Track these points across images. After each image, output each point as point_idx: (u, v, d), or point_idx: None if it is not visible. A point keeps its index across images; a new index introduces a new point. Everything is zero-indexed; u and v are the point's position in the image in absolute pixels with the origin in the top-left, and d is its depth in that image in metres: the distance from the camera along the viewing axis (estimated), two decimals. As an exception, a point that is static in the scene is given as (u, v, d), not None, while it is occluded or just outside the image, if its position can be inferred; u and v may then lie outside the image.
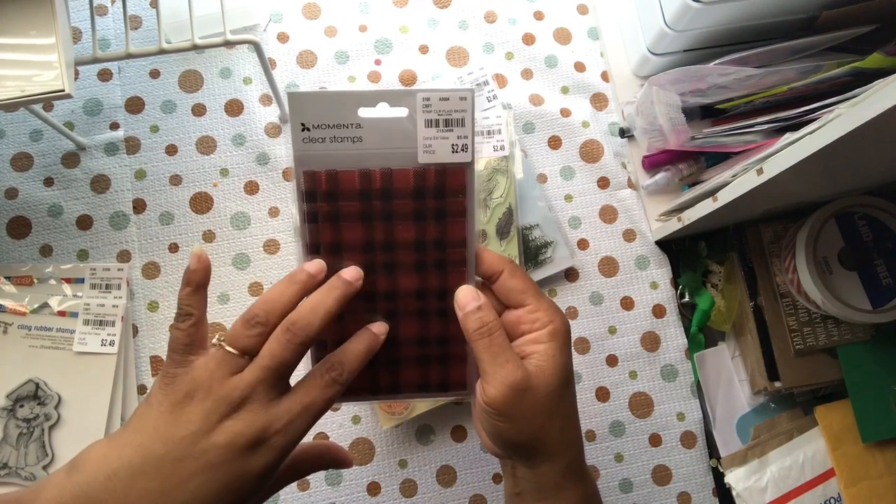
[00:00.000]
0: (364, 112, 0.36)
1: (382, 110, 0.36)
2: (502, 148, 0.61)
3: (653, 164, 0.65)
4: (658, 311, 0.63)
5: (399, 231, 0.38)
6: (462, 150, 0.37)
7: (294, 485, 0.58)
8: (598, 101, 0.67)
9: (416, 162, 0.37)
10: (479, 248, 0.39)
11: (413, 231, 0.38)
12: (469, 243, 0.38)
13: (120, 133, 0.62)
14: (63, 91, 0.45)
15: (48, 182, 0.61)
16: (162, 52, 0.51)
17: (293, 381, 0.36)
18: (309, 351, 0.36)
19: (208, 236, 0.61)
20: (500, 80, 0.66)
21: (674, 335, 0.63)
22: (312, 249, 0.38)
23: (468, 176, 0.37)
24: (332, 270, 0.38)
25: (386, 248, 0.38)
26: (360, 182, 0.37)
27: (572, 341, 0.62)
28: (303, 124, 0.36)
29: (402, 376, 0.40)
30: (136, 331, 0.59)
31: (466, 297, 0.37)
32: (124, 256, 0.61)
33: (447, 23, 0.67)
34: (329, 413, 0.59)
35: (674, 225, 0.59)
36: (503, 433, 0.37)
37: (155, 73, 0.64)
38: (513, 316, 0.38)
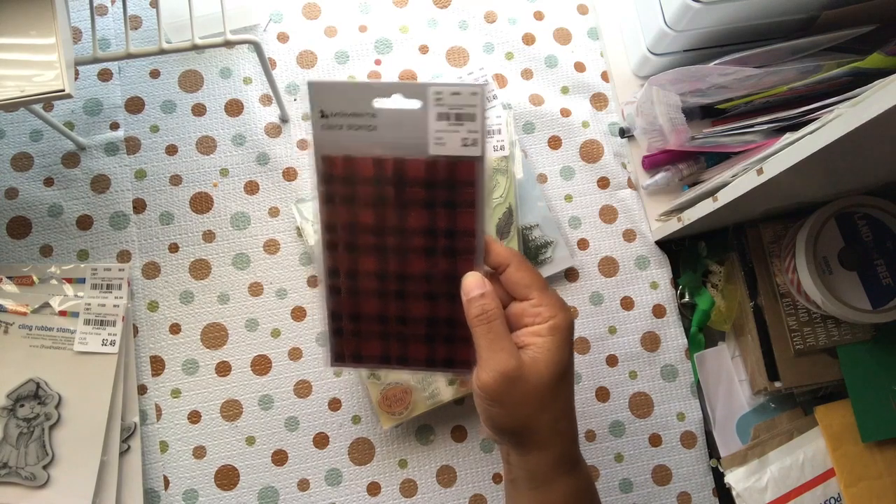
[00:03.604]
0: (379, 102, 0.37)
1: (396, 102, 0.37)
2: (502, 148, 0.61)
3: (653, 164, 0.65)
4: (658, 311, 0.63)
5: (410, 217, 0.39)
6: (472, 143, 0.38)
7: (294, 484, 0.58)
8: (598, 101, 0.67)
9: (427, 153, 0.38)
10: (489, 240, 0.40)
11: (423, 218, 0.39)
12: (478, 233, 0.39)
13: (120, 133, 0.62)
14: (63, 91, 0.45)
15: (48, 182, 0.61)
16: (162, 52, 0.51)
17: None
18: (325, 314, 0.40)
19: (208, 236, 0.61)
20: (500, 80, 0.66)
21: (674, 335, 0.63)
22: (329, 228, 0.40)
23: (478, 169, 0.38)
24: (346, 248, 0.40)
25: (397, 232, 0.40)
26: (374, 169, 0.39)
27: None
28: (322, 111, 0.38)
29: (410, 351, 0.42)
30: (136, 331, 0.59)
31: (471, 284, 0.39)
32: (124, 256, 0.61)
33: (447, 23, 0.67)
34: (329, 413, 0.59)
35: (674, 225, 0.59)
36: (493, 417, 0.38)
37: (155, 73, 0.64)
38: (517, 308, 0.39)
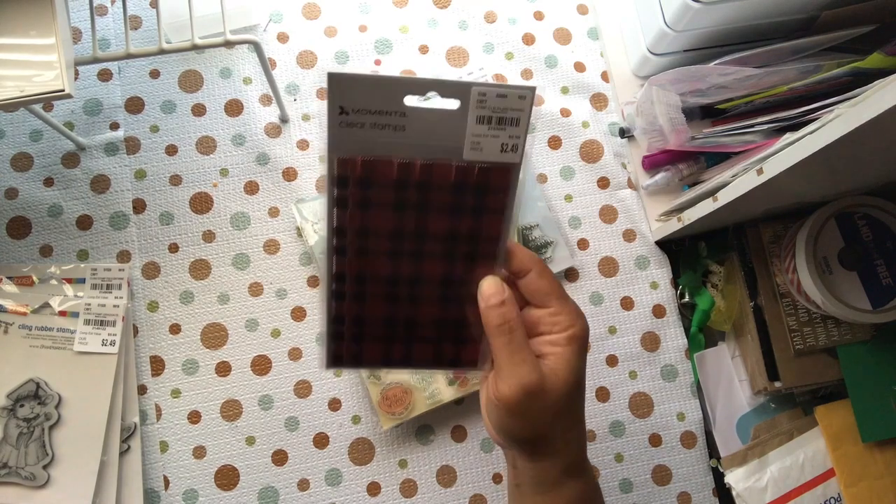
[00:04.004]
0: (411, 100, 0.34)
1: (431, 100, 0.34)
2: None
3: (653, 164, 0.65)
4: (658, 311, 0.63)
5: (432, 222, 0.37)
6: (511, 150, 0.35)
7: (294, 484, 0.58)
8: (598, 101, 0.67)
9: (460, 157, 0.35)
10: (511, 244, 0.38)
11: (446, 223, 0.37)
12: (502, 239, 0.38)
13: (120, 133, 0.62)
14: (63, 91, 0.45)
15: (48, 182, 0.61)
16: (162, 52, 0.51)
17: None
18: (325, 315, 0.38)
19: (208, 236, 0.61)
20: (500, 81, 0.66)
21: (674, 335, 0.63)
22: (338, 233, 0.37)
23: (513, 176, 0.36)
24: (357, 253, 0.38)
25: (416, 237, 0.37)
26: (399, 173, 0.36)
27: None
28: (341, 107, 0.34)
29: (415, 352, 0.40)
30: (136, 331, 0.59)
31: (490, 290, 0.37)
32: (124, 256, 0.61)
33: (447, 23, 0.67)
34: (329, 413, 0.59)
35: (674, 225, 0.59)
36: (508, 428, 0.38)
37: (155, 73, 0.64)
38: (534, 315, 0.38)
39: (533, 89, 0.34)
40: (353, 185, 0.36)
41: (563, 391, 0.36)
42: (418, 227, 0.37)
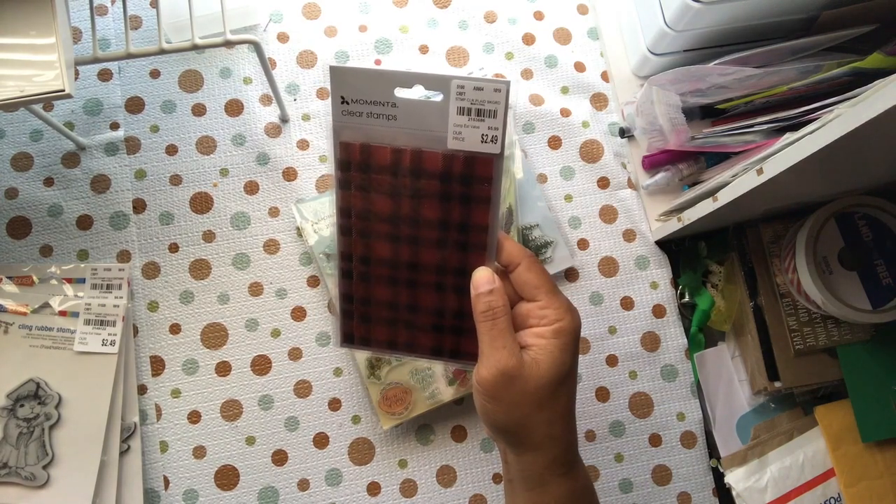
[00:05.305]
0: (400, 92, 0.37)
1: (418, 92, 0.37)
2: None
3: (653, 164, 0.65)
4: (658, 311, 0.63)
5: (424, 209, 0.39)
6: (491, 140, 0.37)
7: (294, 485, 0.58)
8: (598, 101, 0.67)
9: (445, 146, 0.38)
10: (501, 237, 0.40)
11: (437, 210, 0.39)
12: (491, 230, 0.39)
13: (120, 133, 0.62)
14: (63, 91, 0.45)
15: (48, 182, 0.61)
16: (162, 52, 0.51)
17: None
18: (337, 305, 0.40)
19: (208, 236, 0.61)
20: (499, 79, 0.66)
21: (674, 335, 0.63)
22: (343, 213, 0.40)
23: (496, 166, 0.38)
24: (360, 234, 0.40)
25: (411, 222, 0.40)
26: (392, 158, 0.38)
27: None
28: (342, 97, 0.37)
29: (418, 339, 0.42)
30: (136, 331, 0.59)
31: (481, 280, 0.39)
32: (124, 256, 0.61)
33: (447, 23, 0.67)
34: (329, 413, 0.59)
35: (674, 225, 0.59)
36: (489, 413, 0.39)
37: (155, 73, 0.64)
38: (524, 308, 0.39)
39: (508, 83, 0.36)
40: (354, 169, 0.39)
41: (544, 380, 0.37)
42: (413, 212, 0.39)
